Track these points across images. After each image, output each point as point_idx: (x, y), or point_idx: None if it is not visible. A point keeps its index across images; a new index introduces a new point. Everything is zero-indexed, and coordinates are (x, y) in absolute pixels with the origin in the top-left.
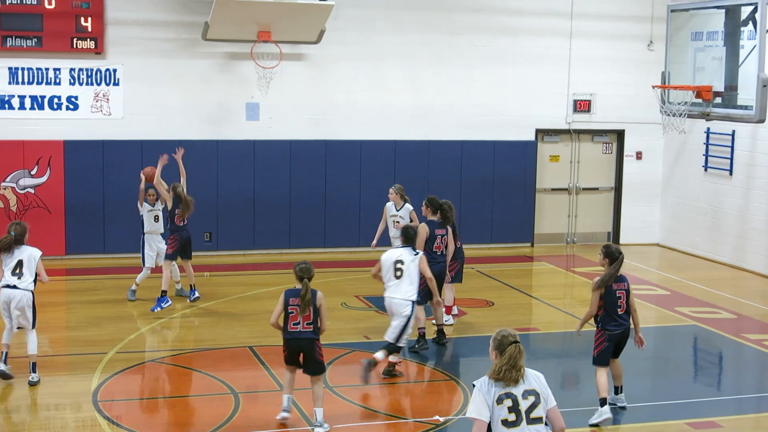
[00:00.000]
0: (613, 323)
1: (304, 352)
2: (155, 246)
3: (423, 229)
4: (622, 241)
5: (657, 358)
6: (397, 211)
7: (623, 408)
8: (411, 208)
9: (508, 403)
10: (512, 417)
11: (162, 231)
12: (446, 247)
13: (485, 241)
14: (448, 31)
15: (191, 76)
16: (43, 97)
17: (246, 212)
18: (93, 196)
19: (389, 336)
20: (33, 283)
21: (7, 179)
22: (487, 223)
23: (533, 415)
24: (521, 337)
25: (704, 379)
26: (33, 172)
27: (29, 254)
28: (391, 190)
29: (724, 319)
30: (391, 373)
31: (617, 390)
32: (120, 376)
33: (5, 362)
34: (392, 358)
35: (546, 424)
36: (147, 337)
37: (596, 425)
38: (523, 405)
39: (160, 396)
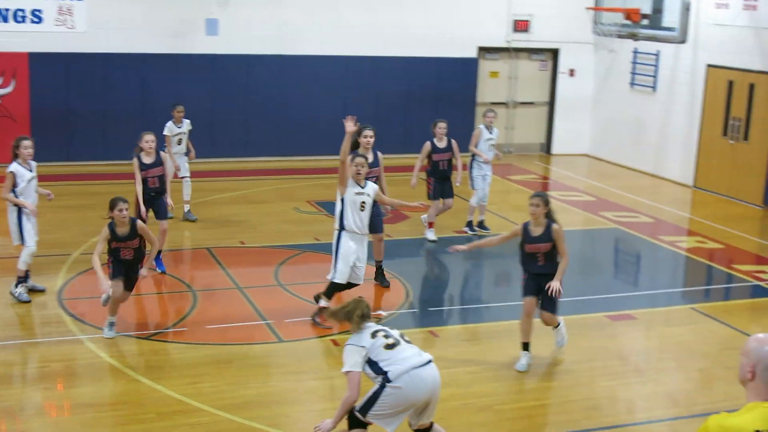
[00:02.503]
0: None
1: None
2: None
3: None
4: (553, 151)
5: (581, 259)
6: (491, 134)
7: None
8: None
9: (381, 333)
10: (390, 341)
11: (185, 151)
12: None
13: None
14: None
15: None
16: (7, 10)
17: (206, 122)
18: (57, 106)
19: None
20: None
21: None
22: (431, 133)
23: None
24: (461, 239)
25: (622, 276)
26: None
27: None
28: (490, 115)
29: (642, 223)
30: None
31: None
32: (84, 276)
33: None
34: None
35: None
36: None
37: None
38: (394, 331)
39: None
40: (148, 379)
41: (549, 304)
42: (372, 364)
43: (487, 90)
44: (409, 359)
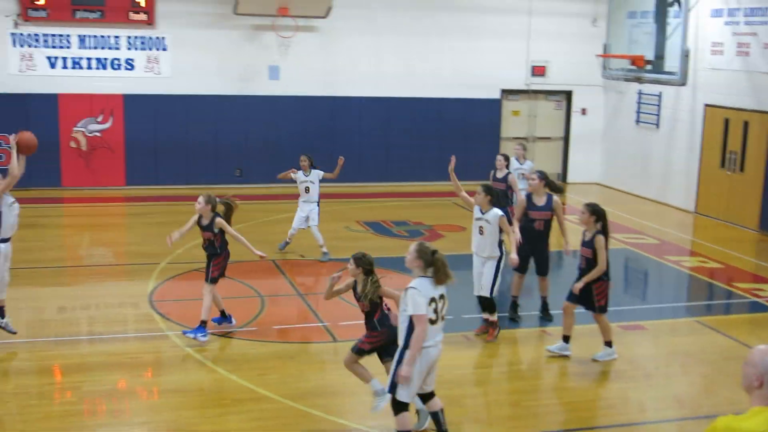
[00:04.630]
0: (608, 272)
1: None
2: (305, 210)
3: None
4: (568, 180)
5: None
6: (521, 165)
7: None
8: (532, 164)
9: (433, 305)
10: (434, 317)
11: (315, 200)
12: None
13: (459, 179)
14: (430, 8)
15: (225, 43)
16: (106, 59)
17: (268, 152)
18: (147, 138)
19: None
20: None
21: (78, 125)
22: (460, 164)
23: (443, 313)
24: None
25: (632, 291)
26: (99, 120)
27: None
28: (517, 148)
29: (649, 244)
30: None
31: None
32: (170, 282)
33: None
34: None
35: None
36: (192, 251)
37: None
38: (440, 306)
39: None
40: (224, 370)
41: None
42: (410, 323)
43: (510, 126)
44: (431, 341)
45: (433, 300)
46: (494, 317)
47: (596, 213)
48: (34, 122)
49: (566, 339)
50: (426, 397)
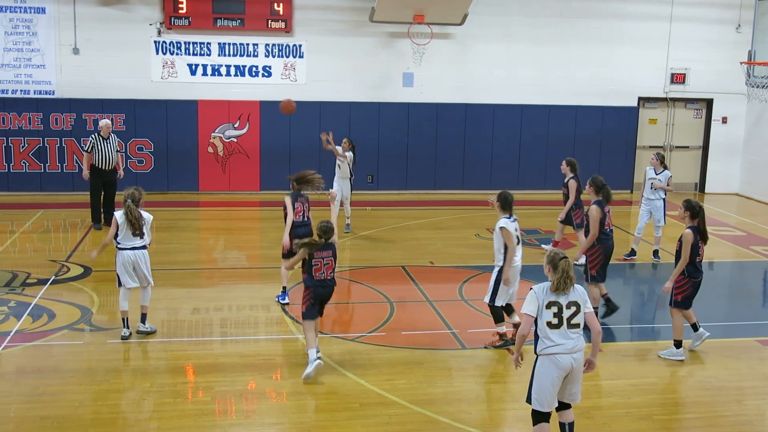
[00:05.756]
0: (696, 271)
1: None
2: (338, 186)
3: (596, 212)
4: (706, 190)
5: (732, 287)
6: (657, 174)
7: (707, 337)
8: (670, 174)
9: (554, 309)
10: (555, 321)
11: (348, 176)
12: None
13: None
14: (567, 16)
15: (360, 50)
16: (244, 67)
17: (401, 160)
18: (282, 144)
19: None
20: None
21: (216, 131)
22: (595, 173)
23: (573, 321)
24: (620, 266)
25: None
26: (236, 125)
27: (146, 217)
28: (652, 157)
29: None
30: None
31: (695, 327)
32: (301, 286)
33: (127, 326)
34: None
35: (585, 329)
36: None
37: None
38: (566, 313)
39: (333, 302)
40: (353, 374)
41: None
42: (536, 324)
43: (646, 135)
44: (557, 347)
45: (553, 304)
46: (499, 328)
47: (691, 209)
48: (174, 128)
49: (679, 344)
50: (560, 406)
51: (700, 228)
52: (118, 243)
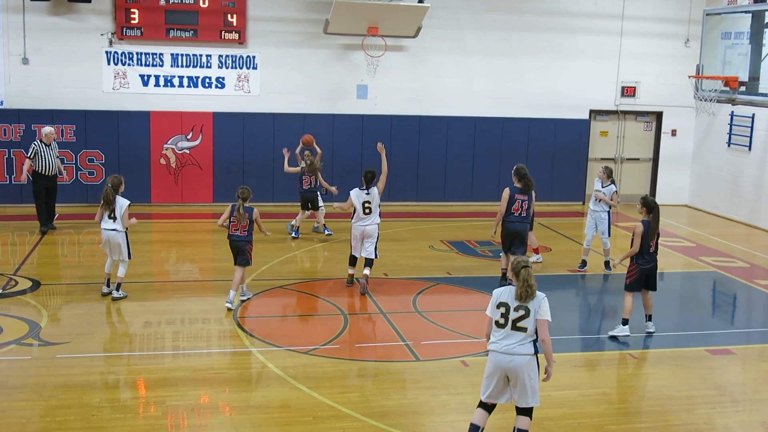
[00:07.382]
0: (644, 261)
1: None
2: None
3: (505, 193)
4: (657, 202)
5: (682, 297)
6: (602, 187)
7: (651, 334)
8: (615, 189)
9: (502, 309)
10: (502, 321)
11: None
12: (528, 209)
13: (546, 199)
14: (520, 29)
15: (314, 62)
16: (197, 78)
17: (356, 171)
18: (235, 156)
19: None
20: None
21: (168, 142)
22: (548, 184)
23: (519, 324)
24: (572, 276)
25: (720, 315)
26: (188, 137)
27: (120, 203)
28: (599, 170)
29: (738, 267)
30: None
31: (648, 318)
32: (254, 298)
33: (108, 285)
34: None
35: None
36: (276, 268)
37: (615, 338)
38: (513, 315)
39: (286, 314)
40: (307, 387)
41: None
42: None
43: (598, 147)
44: (494, 344)
45: (502, 305)
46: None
47: (647, 204)
48: (126, 139)
49: (626, 321)
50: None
51: (651, 223)
52: (100, 221)
